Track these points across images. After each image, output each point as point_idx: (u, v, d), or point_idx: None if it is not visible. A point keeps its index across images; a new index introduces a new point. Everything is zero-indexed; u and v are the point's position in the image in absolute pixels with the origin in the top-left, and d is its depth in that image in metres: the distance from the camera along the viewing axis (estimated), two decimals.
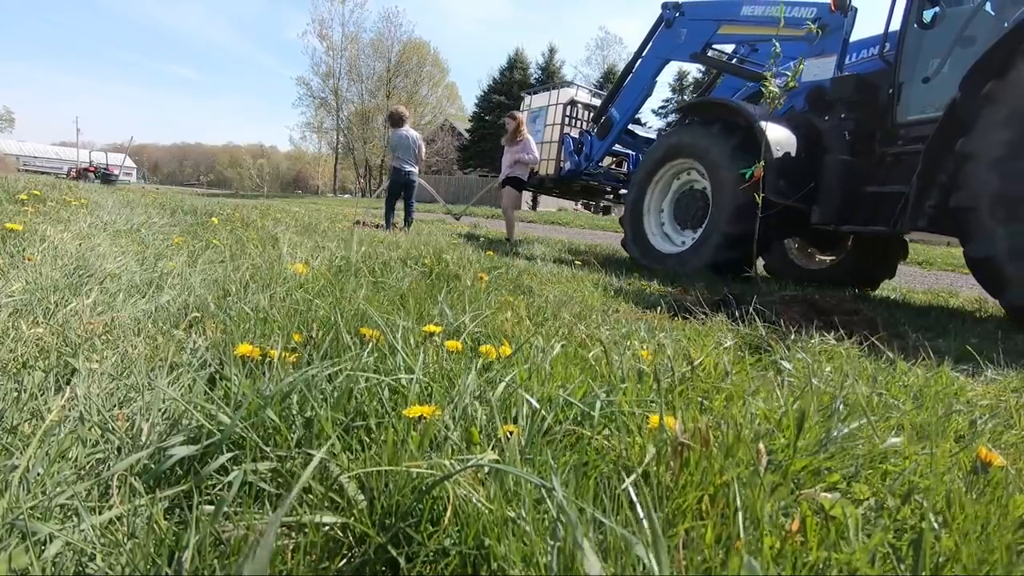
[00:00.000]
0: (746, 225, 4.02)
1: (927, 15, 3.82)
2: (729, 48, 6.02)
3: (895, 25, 4.14)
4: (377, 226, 7.25)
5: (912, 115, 3.98)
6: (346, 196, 43.09)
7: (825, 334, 2.14)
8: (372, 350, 1.17)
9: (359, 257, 2.74)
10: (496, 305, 1.94)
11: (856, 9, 4.44)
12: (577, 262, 4.60)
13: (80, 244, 2.33)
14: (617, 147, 7.15)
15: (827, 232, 4.41)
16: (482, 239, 7.14)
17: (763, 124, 4.03)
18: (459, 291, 2.14)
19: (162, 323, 1.44)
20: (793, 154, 4.09)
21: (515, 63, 39.42)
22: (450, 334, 1.44)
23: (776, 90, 3.32)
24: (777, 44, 3.33)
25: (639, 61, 6.31)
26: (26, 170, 37.44)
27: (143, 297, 1.66)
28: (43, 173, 30.49)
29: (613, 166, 7.71)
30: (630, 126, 6.85)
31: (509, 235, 6.97)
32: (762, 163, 3.53)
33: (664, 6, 5.88)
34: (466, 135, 40.29)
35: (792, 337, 1.94)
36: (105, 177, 27.12)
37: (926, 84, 3.87)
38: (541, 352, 1.26)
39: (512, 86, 37.03)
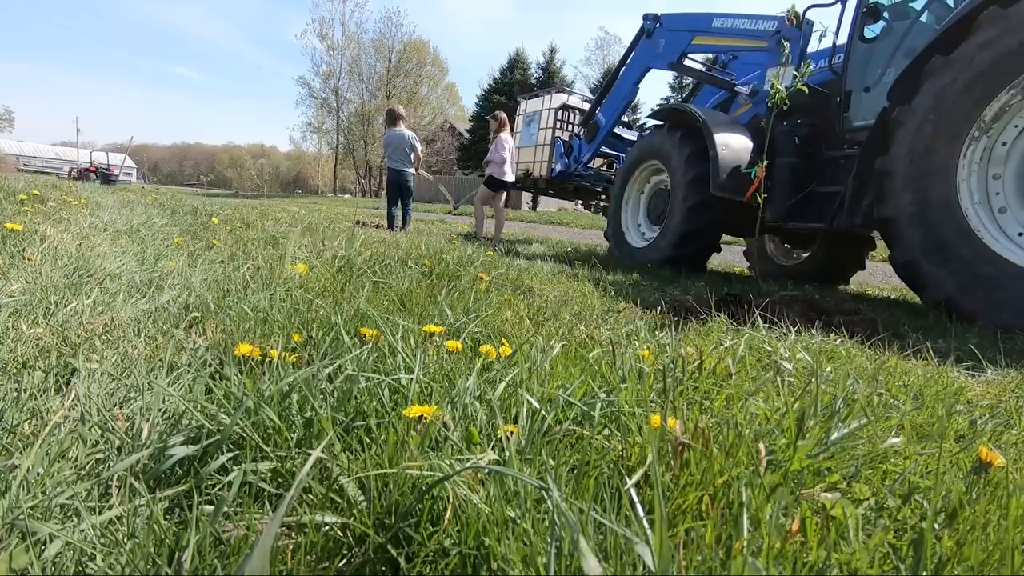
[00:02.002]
0: (701, 185, 4.53)
1: (868, 31, 4.16)
2: (702, 56, 6.33)
3: (843, 39, 4.45)
4: (377, 226, 7.29)
5: (857, 122, 4.25)
6: (346, 196, 43.06)
7: (825, 334, 2.14)
8: (372, 350, 1.17)
9: (359, 257, 2.74)
10: (496, 305, 1.94)
11: (812, 22, 4.72)
12: (577, 262, 4.61)
13: (80, 244, 2.33)
14: (606, 150, 7.39)
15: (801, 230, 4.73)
16: (482, 239, 7.17)
17: (713, 127, 4.46)
18: (459, 291, 2.14)
19: (162, 323, 1.44)
20: (743, 155, 4.44)
21: (515, 63, 39.39)
22: (450, 334, 1.44)
23: (783, 90, 3.36)
24: (787, 46, 3.40)
25: (623, 69, 6.57)
26: (26, 170, 37.45)
27: (143, 297, 1.67)
28: (43, 173, 30.46)
29: (604, 167, 7.97)
30: (616, 129, 7.13)
31: (477, 232, 7.11)
32: (763, 163, 3.56)
33: (645, 17, 6.17)
34: (466, 135, 40.29)
35: (792, 337, 1.94)
36: (105, 177, 27.11)
37: (868, 93, 4.16)
38: (541, 352, 1.26)
39: (512, 86, 36.99)
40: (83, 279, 1.77)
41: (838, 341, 2.02)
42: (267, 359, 1.06)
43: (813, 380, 1.22)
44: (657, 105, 7.03)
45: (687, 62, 5.89)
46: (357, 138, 44.32)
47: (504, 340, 1.43)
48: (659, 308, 2.62)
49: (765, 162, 3.68)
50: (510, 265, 3.66)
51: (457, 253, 3.31)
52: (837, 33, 4.54)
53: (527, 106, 8.48)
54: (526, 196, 26.86)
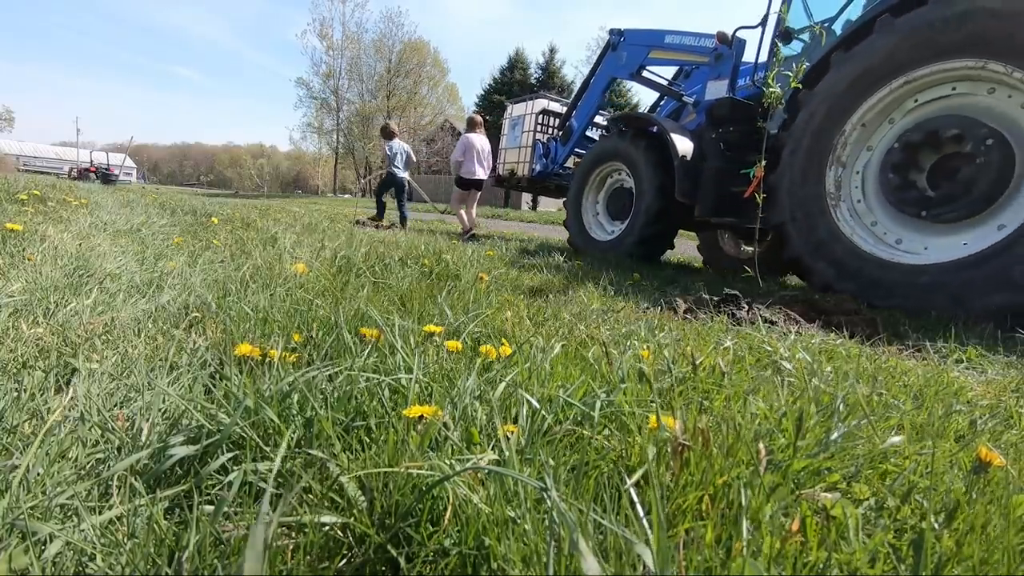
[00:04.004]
0: (665, 192, 5.27)
1: (784, 51, 4.66)
2: (662, 68, 6.94)
3: (764, 57, 5.14)
4: (377, 226, 7.38)
5: (773, 130, 4.85)
6: (346, 196, 42.98)
7: (825, 334, 2.14)
8: (372, 350, 1.17)
9: (359, 257, 2.74)
10: (496, 305, 1.94)
11: (744, 41, 5.40)
12: (578, 262, 4.61)
13: (80, 244, 2.33)
14: (580, 151, 7.89)
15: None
16: (481, 239, 7.25)
17: (676, 139, 5.14)
18: (459, 291, 2.14)
19: (162, 323, 1.44)
20: (698, 164, 5.15)
21: (515, 63, 39.35)
22: (450, 334, 1.44)
23: (778, 91, 3.38)
24: (781, 56, 3.80)
25: (592, 78, 7.19)
26: (26, 170, 37.46)
27: (143, 297, 1.67)
28: (43, 173, 30.51)
29: None
30: (589, 132, 7.74)
31: (462, 230, 7.74)
32: (762, 163, 3.58)
33: (610, 32, 6.78)
34: None
35: (792, 337, 1.94)
36: (105, 177, 27.12)
37: (781, 106, 4.83)
38: (541, 352, 1.26)
39: (512, 86, 36.94)
40: (83, 279, 1.78)
41: (838, 341, 2.03)
42: (267, 359, 1.06)
43: (813, 380, 1.22)
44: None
45: (645, 74, 6.53)
46: (357, 138, 44.28)
47: (504, 340, 1.43)
48: (659, 308, 2.62)
49: (764, 162, 3.70)
50: (510, 265, 3.67)
51: (457, 253, 3.32)
52: (759, 52, 5.25)
53: (512, 110, 9.14)
54: (526, 197, 26.92)
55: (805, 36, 4.80)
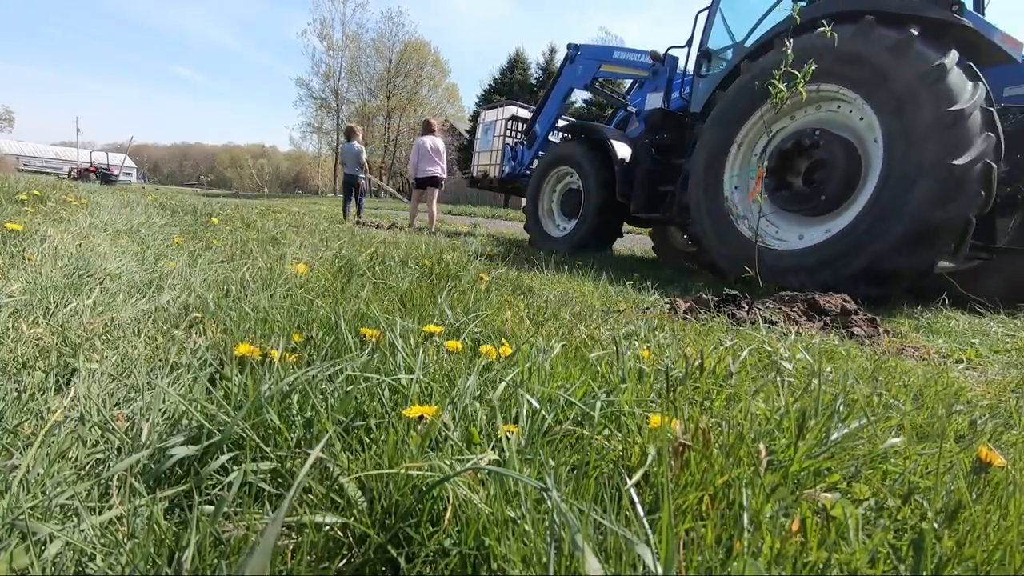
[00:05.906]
0: (608, 192, 5.99)
1: (703, 69, 5.43)
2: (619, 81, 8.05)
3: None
4: (377, 226, 7.45)
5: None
6: None
7: (825, 334, 2.14)
8: (373, 350, 1.17)
9: (359, 257, 2.74)
10: (496, 305, 1.94)
11: (676, 58, 6.11)
12: (578, 262, 4.61)
13: (80, 244, 2.33)
14: (543, 154, 8.41)
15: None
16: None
17: (617, 146, 5.89)
18: (459, 291, 2.14)
19: (162, 323, 1.44)
20: (628, 164, 5.89)
21: (515, 63, 39.36)
22: (450, 334, 1.44)
23: (784, 90, 3.37)
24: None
25: (554, 88, 7.83)
26: (26, 170, 37.39)
27: (143, 297, 1.66)
28: (43, 173, 30.46)
29: None
30: (551, 137, 8.34)
31: (409, 223, 8.59)
32: (763, 165, 3.59)
33: (568, 47, 7.48)
34: (466, 135, 40.23)
35: (792, 337, 1.94)
36: (105, 177, 27.10)
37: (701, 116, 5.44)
38: (541, 352, 1.26)
39: (512, 86, 36.96)
40: (83, 279, 1.77)
41: (838, 341, 2.02)
42: (267, 359, 1.06)
43: (813, 380, 1.22)
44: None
45: (598, 85, 7.31)
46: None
47: (504, 340, 1.43)
48: (659, 308, 2.62)
49: (765, 163, 3.72)
50: (510, 265, 3.67)
51: (457, 253, 3.32)
52: (685, 69, 5.87)
53: (485, 116, 9.78)
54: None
55: (728, 55, 5.30)
